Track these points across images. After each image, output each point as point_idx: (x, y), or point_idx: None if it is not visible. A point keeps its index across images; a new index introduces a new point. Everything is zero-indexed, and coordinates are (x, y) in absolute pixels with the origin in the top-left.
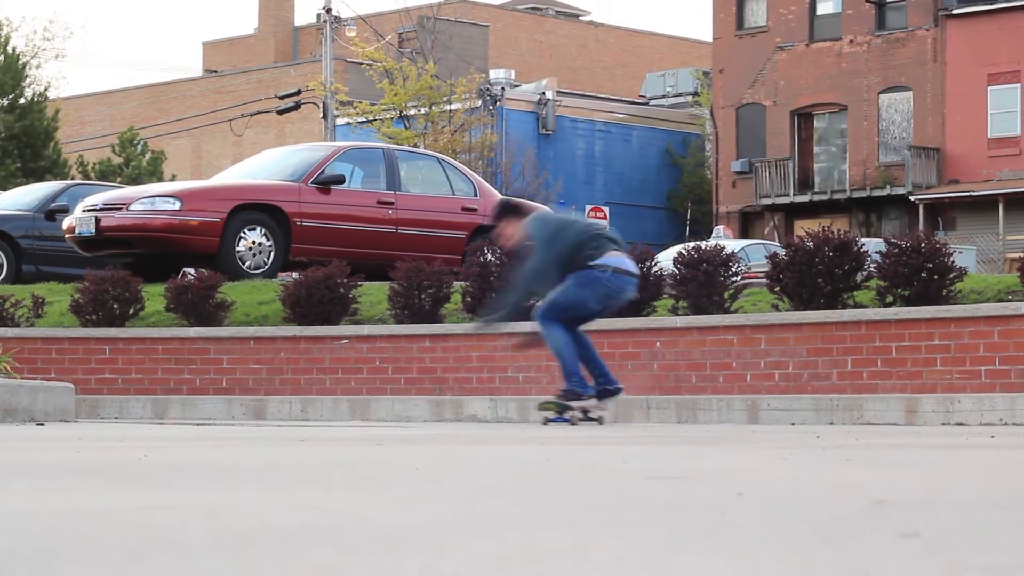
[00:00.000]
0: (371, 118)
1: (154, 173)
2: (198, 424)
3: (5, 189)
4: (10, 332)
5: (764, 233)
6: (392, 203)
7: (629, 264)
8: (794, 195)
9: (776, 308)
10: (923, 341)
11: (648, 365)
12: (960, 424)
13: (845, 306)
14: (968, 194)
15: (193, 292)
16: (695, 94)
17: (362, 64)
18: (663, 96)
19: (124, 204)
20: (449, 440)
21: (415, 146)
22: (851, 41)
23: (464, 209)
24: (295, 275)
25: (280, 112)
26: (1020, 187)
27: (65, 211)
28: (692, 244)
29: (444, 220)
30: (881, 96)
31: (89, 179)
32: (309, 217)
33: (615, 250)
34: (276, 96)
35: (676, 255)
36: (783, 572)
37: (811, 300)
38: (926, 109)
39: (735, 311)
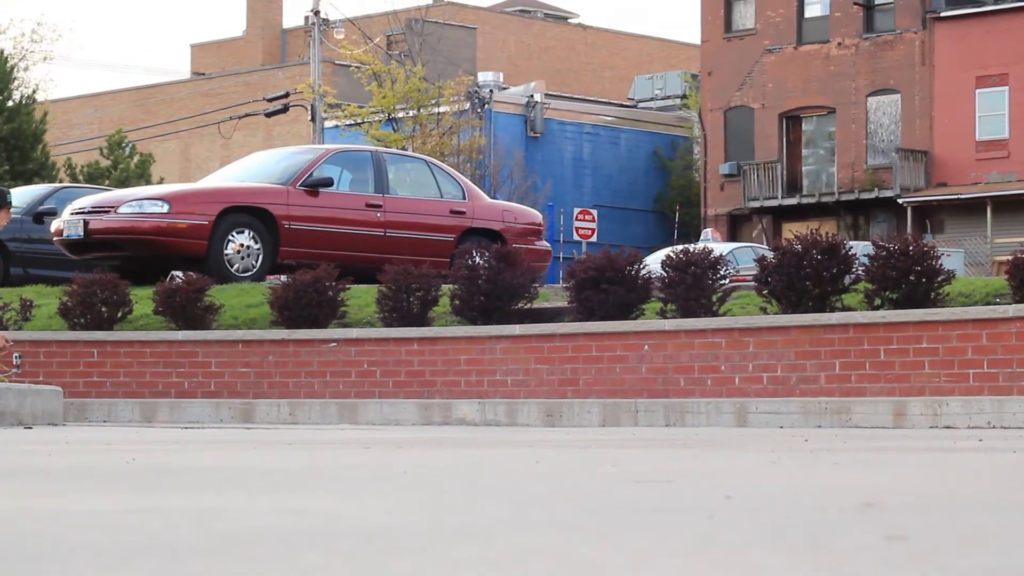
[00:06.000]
0: (359, 121)
1: (142, 176)
2: (186, 428)
3: None
4: None
5: (752, 236)
6: (380, 206)
7: None
8: (782, 198)
9: (764, 311)
10: (911, 344)
11: (636, 368)
12: (948, 427)
13: (833, 309)
14: (956, 197)
15: (181, 295)
16: (683, 97)
17: (350, 67)
18: (651, 99)
19: (112, 207)
20: (437, 444)
21: (403, 149)
22: (839, 44)
23: (452, 212)
24: (283, 278)
25: (268, 115)
26: (1008, 190)
27: (53, 214)
28: (680, 247)
29: (432, 223)
30: (869, 99)
31: (77, 182)
32: (297, 220)
33: None
34: (264, 98)
35: (664, 258)
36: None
37: (799, 303)
38: (914, 112)
39: (723, 314)
